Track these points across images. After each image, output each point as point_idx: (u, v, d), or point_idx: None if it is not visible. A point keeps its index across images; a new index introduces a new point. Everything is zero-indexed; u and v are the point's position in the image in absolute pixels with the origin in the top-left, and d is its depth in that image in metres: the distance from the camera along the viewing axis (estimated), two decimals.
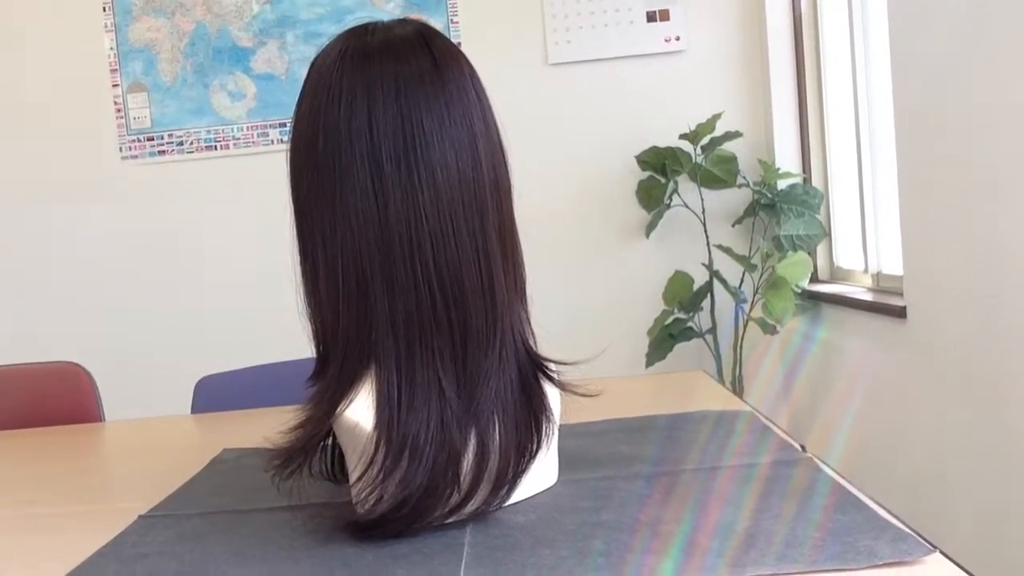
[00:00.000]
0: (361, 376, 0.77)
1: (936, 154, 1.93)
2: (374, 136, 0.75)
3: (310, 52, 3.05)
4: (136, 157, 3.06)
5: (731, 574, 0.60)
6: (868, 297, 2.38)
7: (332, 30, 3.03)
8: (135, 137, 3.05)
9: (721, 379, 2.80)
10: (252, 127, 3.06)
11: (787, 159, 2.91)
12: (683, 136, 2.83)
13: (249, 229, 3.03)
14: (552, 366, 0.84)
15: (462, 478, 0.73)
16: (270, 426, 1.30)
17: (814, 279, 2.80)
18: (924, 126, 1.97)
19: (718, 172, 2.84)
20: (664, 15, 3.02)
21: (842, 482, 0.77)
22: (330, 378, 0.78)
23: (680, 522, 0.70)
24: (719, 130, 2.81)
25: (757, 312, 2.74)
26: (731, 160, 2.84)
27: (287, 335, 2.98)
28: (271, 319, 2.95)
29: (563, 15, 3.02)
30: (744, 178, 2.84)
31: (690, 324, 2.78)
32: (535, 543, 0.69)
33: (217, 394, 1.48)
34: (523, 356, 0.81)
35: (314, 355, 0.84)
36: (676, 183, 2.85)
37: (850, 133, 2.68)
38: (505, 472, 0.76)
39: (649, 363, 2.78)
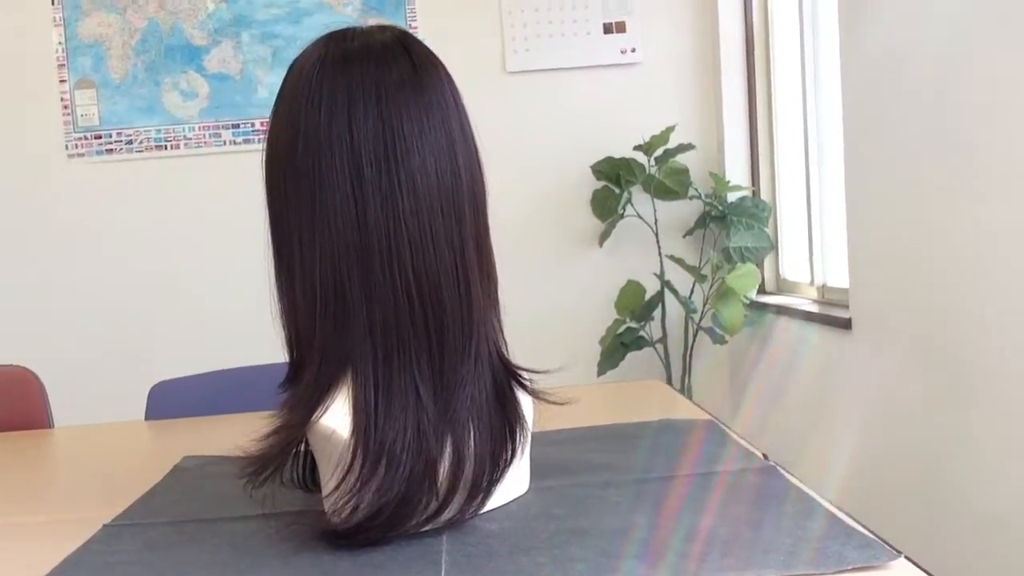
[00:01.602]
0: (337, 383, 0.77)
1: (883, 169, 2.00)
2: (354, 141, 0.75)
3: (266, 53, 3.02)
4: (83, 155, 2.98)
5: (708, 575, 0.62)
6: (814, 309, 2.45)
7: (289, 31, 3.01)
8: (82, 135, 2.98)
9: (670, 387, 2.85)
10: (204, 127, 3.01)
11: (737, 172, 2.97)
12: (637, 147, 2.88)
13: (201, 231, 2.98)
14: (525, 374, 0.85)
15: (438, 486, 0.74)
16: (229, 433, 1.28)
17: (761, 291, 2.86)
18: (872, 141, 2.04)
19: (670, 184, 2.89)
20: (620, 27, 3.07)
21: (805, 489, 0.80)
22: (305, 384, 0.77)
23: (654, 528, 0.72)
24: (672, 142, 2.86)
25: (707, 322, 2.79)
26: (683, 172, 2.89)
27: (243, 340, 2.94)
28: (227, 323, 2.90)
29: (521, 24, 3.04)
30: (696, 190, 2.90)
31: (641, 333, 2.81)
32: (512, 551, 0.70)
33: (172, 400, 1.45)
34: (497, 364, 0.82)
35: (287, 360, 0.84)
36: (630, 193, 2.89)
37: (798, 148, 2.76)
38: (480, 480, 0.76)
39: (601, 371, 2.81)
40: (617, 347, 2.76)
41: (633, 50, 3.07)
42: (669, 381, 2.82)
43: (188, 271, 2.99)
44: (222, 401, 1.46)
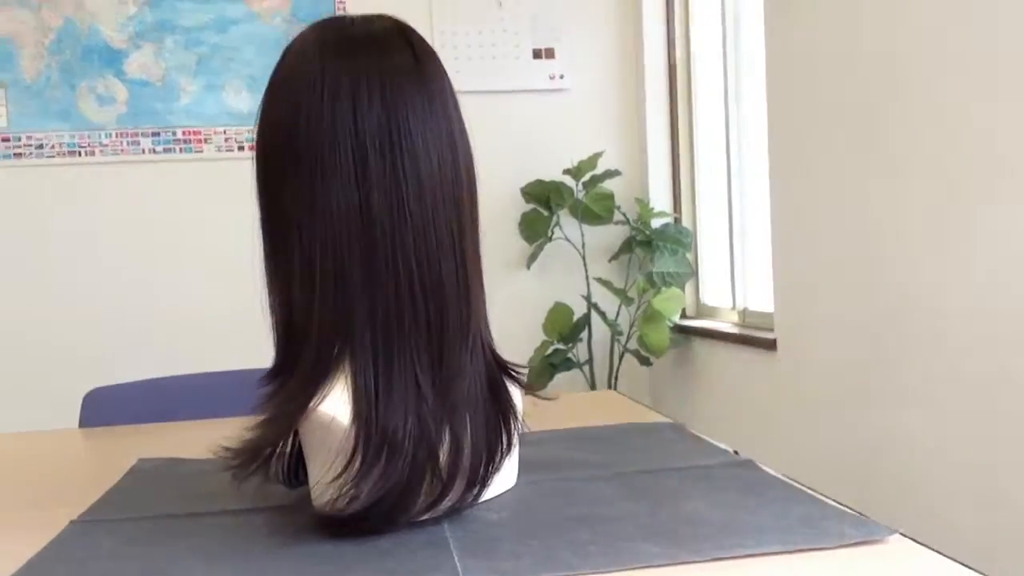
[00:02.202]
0: (335, 370, 0.75)
1: (807, 194, 2.10)
2: (359, 127, 0.75)
3: (190, 60, 2.94)
4: None
5: (718, 553, 0.64)
6: (736, 330, 2.53)
7: (215, 39, 2.94)
8: None
9: None
10: (122, 134, 2.90)
11: (661, 198, 3.06)
12: (566, 171, 2.93)
13: (118, 241, 2.86)
14: (512, 368, 0.86)
15: (439, 473, 0.73)
16: (177, 439, 1.24)
17: (683, 316, 2.95)
18: (796, 166, 2.15)
19: (597, 209, 2.95)
20: (550, 53, 3.13)
21: (787, 480, 0.83)
22: (301, 372, 0.76)
23: (653, 515, 0.73)
24: (599, 168, 2.93)
25: (633, 344, 2.85)
26: (609, 197, 2.96)
27: (170, 348, 2.82)
28: (149, 333, 2.78)
29: (452, 45, 3.07)
30: (623, 215, 2.97)
31: (569, 355, 2.85)
32: (519, 535, 0.70)
33: (108, 408, 1.39)
34: (489, 356, 0.83)
35: (274, 350, 0.82)
36: (558, 216, 2.94)
37: (720, 175, 2.87)
38: (478, 468, 0.77)
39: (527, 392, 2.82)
40: (546, 368, 2.79)
41: (562, 76, 3.14)
42: None
43: (107, 281, 2.86)
44: (160, 409, 1.40)
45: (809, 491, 0.78)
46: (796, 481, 0.82)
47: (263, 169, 0.80)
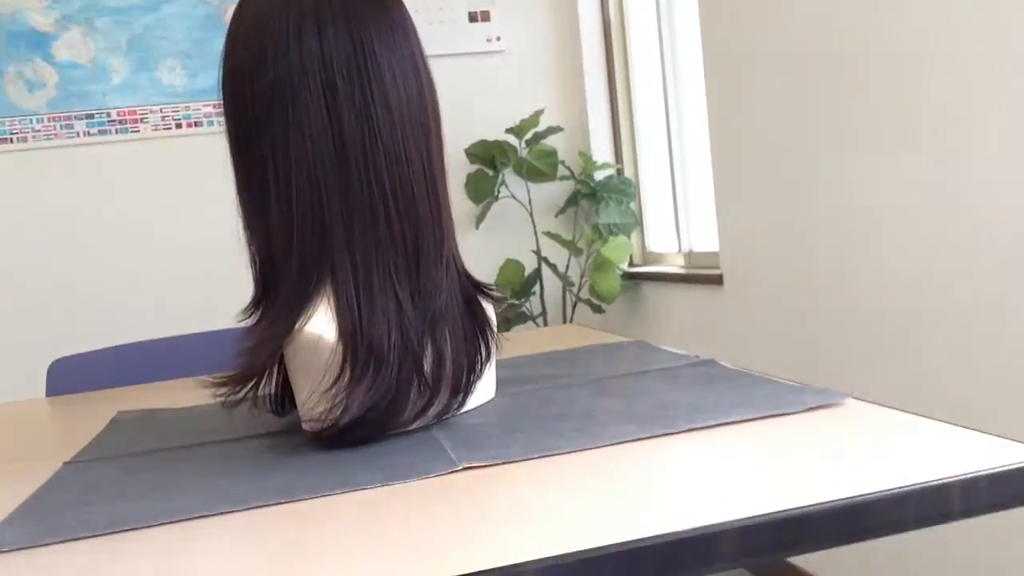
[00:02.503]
0: (317, 293, 0.78)
1: (746, 136, 2.18)
2: (326, 56, 0.78)
3: (122, 41, 2.88)
4: None
5: (689, 425, 0.69)
6: (684, 271, 2.61)
7: (147, 19, 2.89)
8: None
9: None
10: (54, 118, 2.84)
11: (602, 151, 3.12)
12: (509, 130, 2.97)
13: (59, 225, 2.80)
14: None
15: (426, 380, 0.77)
16: (151, 399, 1.25)
17: (630, 264, 3.02)
18: (734, 113, 2.22)
19: (541, 166, 2.99)
20: (485, 16, 3.15)
21: (750, 371, 0.89)
22: (284, 297, 0.79)
23: (629, 406, 0.78)
24: (541, 125, 2.97)
25: (584, 294, 2.91)
26: (552, 154, 3.00)
27: (122, 319, 2.78)
28: (102, 307, 2.75)
29: None
30: (568, 169, 3.02)
31: (523, 309, 2.90)
32: (506, 431, 0.74)
33: (74, 378, 1.39)
34: (464, 276, 0.87)
35: (253, 282, 0.85)
36: (504, 175, 2.97)
37: (659, 125, 2.93)
38: (460, 377, 0.81)
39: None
40: (501, 323, 2.82)
41: (499, 38, 3.16)
42: None
43: (48, 263, 2.80)
44: (128, 376, 1.41)
45: (770, 377, 0.84)
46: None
47: (233, 107, 0.82)
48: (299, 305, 0.78)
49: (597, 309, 2.88)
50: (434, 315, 0.80)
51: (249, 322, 0.83)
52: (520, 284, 2.91)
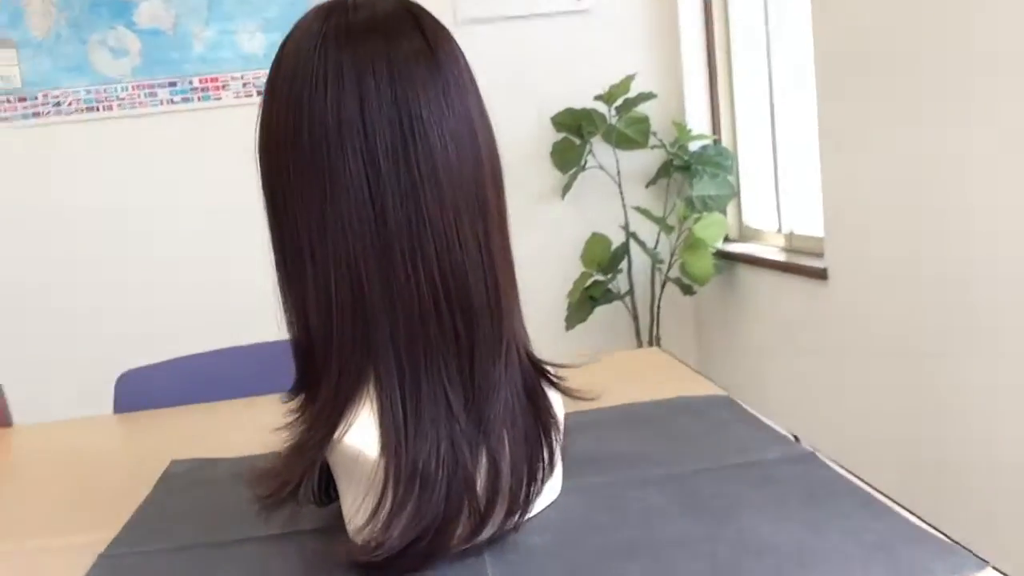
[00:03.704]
0: (359, 395, 0.70)
1: (858, 111, 1.97)
2: (367, 127, 0.68)
3: (200, 4, 2.83)
4: (7, 119, 2.78)
5: None
6: (784, 258, 2.43)
7: None
8: (5, 98, 2.77)
9: (639, 340, 2.83)
10: (138, 86, 2.83)
11: (698, 120, 2.92)
12: (598, 97, 2.80)
13: (147, 198, 2.82)
14: (551, 369, 0.80)
15: (477, 503, 0.68)
16: (212, 425, 1.20)
17: (725, 240, 2.85)
18: (846, 80, 2.00)
19: (632, 133, 2.83)
20: None
21: (856, 482, 0.76)
22: (324, 399, 0.71)
23: (713, 540, 0.68)
24: (633, 91, 2.80)
25: (674, 272, 2.77)
26: (644, 121, 2.83)
27: (213, 318, 2.81)
28: (192, 301, 2.76)
29: None
30: (659, 139, 2.84)
31: (609, 287, 2.78)
32: (567, 570, 0.65)
33: (143, 391, 1.36)
34: (526, 363, 0.77)
35: (295, 366, 0.77)
36: (591, 144, 2.83)
37: (761, 94, 2.72)
38: (518, 492, 0.71)
39: (569, 326, 2.78)
40: (586, 301, 2.73)
41: None
42: (637, 334, 2.81)
43: (140, 245, 2.82)
44: (197, 389, 1.37)
45: (879, 495, 0.72)
46: (862, 480, 0.75)
47: (268, 178, 0.74)
48: (338, 410, 0.70)
49: (688, 290, 2.74)
50: (490, 420, 0.70)
51: (291, 409, 0.76)
52: (607, 260, 2.78)
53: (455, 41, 0.75)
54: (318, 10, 0.74)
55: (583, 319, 2.77)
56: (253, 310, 2.71)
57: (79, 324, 2.79)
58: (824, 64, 2.11)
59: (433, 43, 0.71)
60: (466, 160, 0.71)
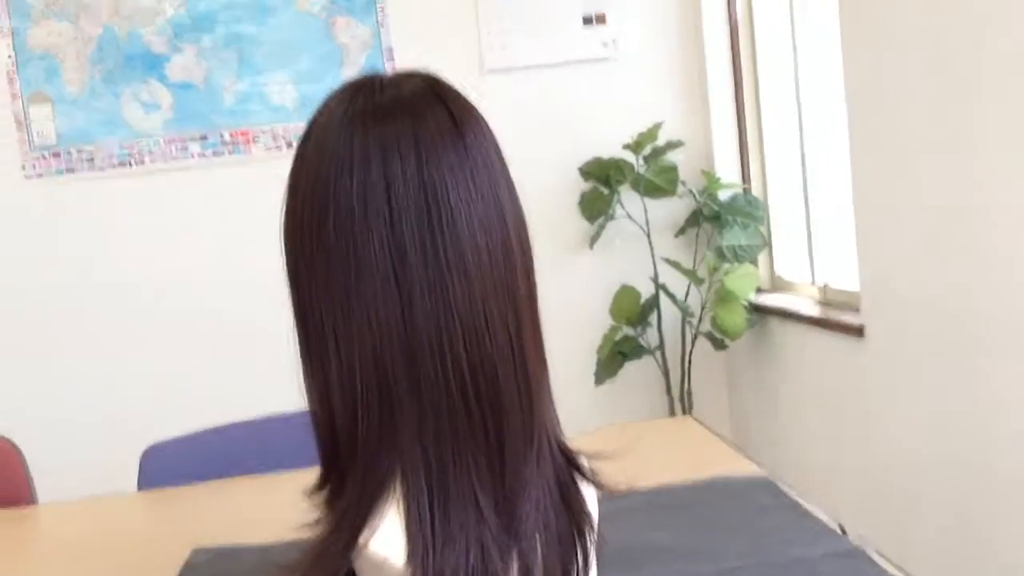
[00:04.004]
0: (385, 496, 0.67)
1: (893, 159, 1.92)
2: (394, 215, 0.66)
3: (230, 57, 2.87)
4: (41, 175, 2.81)
5: None
6: (819, 312, 2.38)
7: (252, 31, 2.85)
8: (39, 154, 2.80)
9: (669, 396, 2.78)
10: (170, 141, 2.85)
11: (727, 168, 2.89)
12: (626, 146, 2.79)
13: (177, 257, 2.81)
14: (584, 461, 0.76)
15: None
16: (237, 506, 1.18)
17: (757, 291, 2.79)
18: (880, 128, 1.96)
19: (660, 182, 2.80)
20: (600, 18, 2.96)
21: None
22: (348, 501, 0.68)
23: None
24: (661, 139, 2.78)
25: (705, 326, 2.72)
26: (672, 170, 2.80)
27: (242, 390, 2.79)
28: (221, 371, 2.73)
29: (498, 18, 2.92)
30: (688, 188, 2.82)
31: (640, 341, 2.73)
32: None
33: (167, 465, 1.34)
34: (558, 456, 0.73)
35: (319, 458, 0.74)
36: (619, 193, 2.80)
37: (791, 142, 2.68)
38: None
39: (598, 381, 2.74)
40: (615, 356, 2.68)
41: (614, 42, 2.96)
42: (668, 390, 2.75)
43: (173, 307, 2.80)
44: (222, 462, 1.35)
45: None
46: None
47: (293, 263, 0.72)
48: (363, 513, 0.67)
49: (720, 345, 2.69)
50: (521, 521, 0.67)
51: (315, 504, 0.73)
52: (636, 313, 2.74)
53: (482, 118, 0.73)
54: (346, 89, 0.73)
55: (612, 375, 2.72)
56: (283, 372, 2.68)
57: (105, 392, 2.77)
58: (856, 111, 2.07)
59: (460, 122, 0.70)
60: (495, 247, 0.69)
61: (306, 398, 0.73)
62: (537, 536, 0.68)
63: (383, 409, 0.66)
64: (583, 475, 0.74)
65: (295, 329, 0.73)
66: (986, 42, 1.58)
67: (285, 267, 0.73)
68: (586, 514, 0.72)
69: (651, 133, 2.76)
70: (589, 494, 0.74)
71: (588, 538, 0.72)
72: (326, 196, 0.68)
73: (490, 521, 0.66)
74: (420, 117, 0.68)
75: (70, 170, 2.81)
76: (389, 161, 0.66)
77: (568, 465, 0.74)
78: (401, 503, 0.66)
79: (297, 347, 0.73)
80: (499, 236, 0.69)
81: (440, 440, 0.66)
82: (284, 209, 0.73)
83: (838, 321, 2.19)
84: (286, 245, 0.72)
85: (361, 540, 0.66)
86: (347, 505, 0.67)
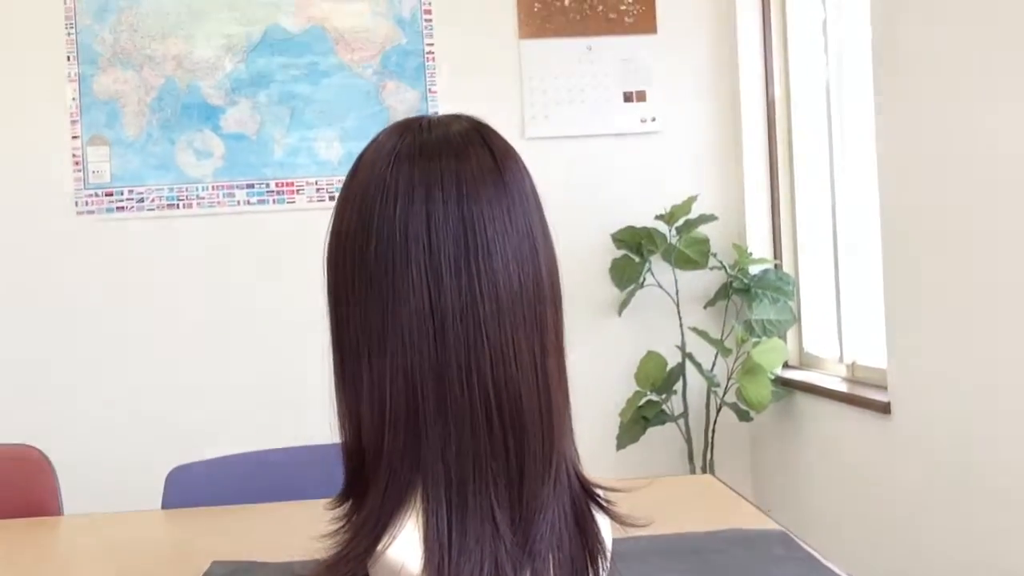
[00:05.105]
0: (405, 506, 0.70)
1: (925, 240, 1.94)
2: (432, 243, 0.70)
3: (283, 113, 2.99)
4: (93, 212, 2.92)
5: None
6: (845, 388, 2.37)
7: (306, 91, 2.98)
8: (93, 192, 2.92)
9: (691, 464, 2.76)
10: (218, 187, 2.96)
11: (759, 243, 2.92)
12: (659, 217, 2.84)
13: (218, 295, 2.90)
14: (601, 492, 0.78)
15: None
16: (256, 528, 1.20)
17: (785, 366, 2.79)
18: (912, 214, 1.99)
19: (691, 254, 2.84)
20: (641, 96, 3.05)
21: None
22: (370, 508, 0.70)
23: None
24: (694, 212, 2.82)
25: (730, 397, 2.71)
26: (704, 242, 2.84)
27: (270, 419, 2.84)
28: (250, 400, 2.80)
29: (541, 90, 3.03)
30: (719, 261, 2.85)
31: (663, 407, 2.73)
32: None
33: (191, 487, 1.37)
34: (575, 484, 0.75)
35: (343, 471, 0.77)
36: (650, 262, 2.84)
37: (823, 220, 2.72)
38: None
39: (620, 445, 2.73)
40: (638, 421, 2.68)
41: (653, 119, 3.05)
42: (690, 458, 2.74)
43: (208, 340, 2.88)
44: (246, 488, 1.37)
45: None
46: None
47: (333, 284, 0.76)
48: (384, 521, 0.69)
49: (744, 416, 2.68)
50: (536, 540, 0.69)
51: (336, 516, 0.76)
52: (661, 380, 2.74)
53: (522, 161, 0.78)
54: (395, 126, 0.78)
55: (635, 439, 2.72)
56: (315, 407, 2.74)
57: (139, 415, 2.83)
58: (888, 190, 2.11)
59: (501, 162, 0.74)
60: (527, 278, 0.72)
61: (336, 410, 0.76)
62: (551, 557, 0.70)
63: (410, 425, 0.69)
64: (599, 505, 0.76)
65: (330, 343, 0.77)
66: (1018, 124, 1.62)
67: (325, 285, 0.77)
68: (600, 542, 0.74)
69: (685, 205, 2.81)
70: (604, 524, 0.76)
71: (600, 566, 0.73)
72: (370, 222, 0.72)
73: (505, 537, 0.68)
74: (463, 156, 0.73)
75: (120, 208, 2.92)
76: (432, 194, 0.71)
77: (585, 494, 0.76)
78: (420, 514, 0.68)
79: (331, 362, 0.77)
80: (531, 268, 0.73)
81: (462, 457, 0.69)
82: (329, 231, 0.77)
83: (865, 397, 2.18)
84: (328, 265, 0.77)
85: (380, 547, 0.68)
86: (368, 513, 0.70)
